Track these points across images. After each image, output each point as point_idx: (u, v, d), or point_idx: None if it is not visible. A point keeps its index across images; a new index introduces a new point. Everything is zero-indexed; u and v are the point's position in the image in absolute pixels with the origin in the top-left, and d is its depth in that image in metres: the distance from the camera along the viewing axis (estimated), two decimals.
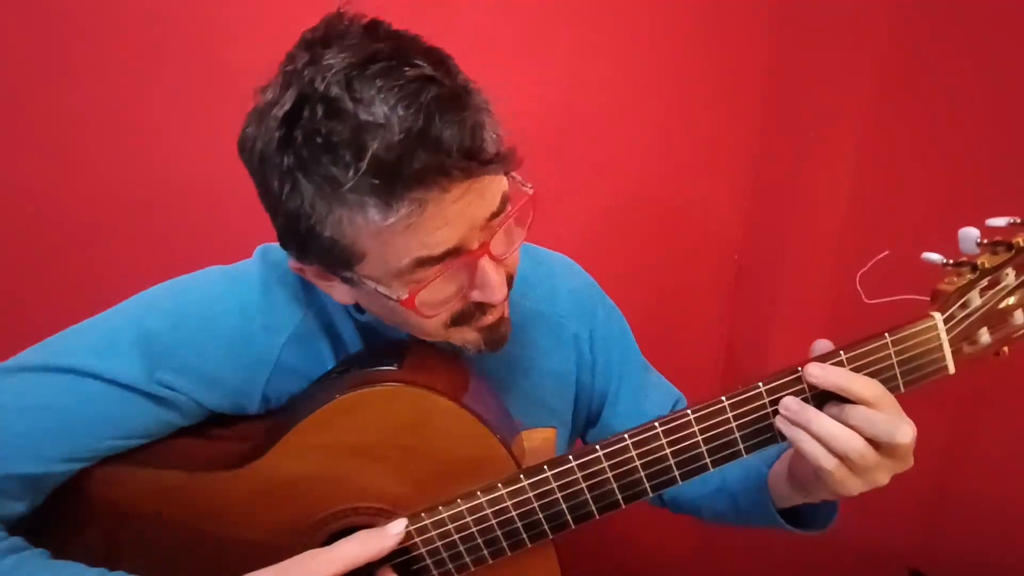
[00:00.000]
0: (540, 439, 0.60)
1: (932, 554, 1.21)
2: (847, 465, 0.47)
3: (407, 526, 0.53)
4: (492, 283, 0.50)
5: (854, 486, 0.48)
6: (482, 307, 0.53)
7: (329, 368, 0.59)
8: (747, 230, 1.23)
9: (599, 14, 1.03)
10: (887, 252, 0.56)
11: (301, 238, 0.48)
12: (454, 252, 0.48)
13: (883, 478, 0.48)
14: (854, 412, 0.46)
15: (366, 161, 0.41)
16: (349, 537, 0.50)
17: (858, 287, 0.54)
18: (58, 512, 0.54)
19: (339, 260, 0.48)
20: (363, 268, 0.48)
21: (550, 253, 0.73)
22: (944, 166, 1.00)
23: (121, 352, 0.52)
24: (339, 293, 0.54)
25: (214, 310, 0.55)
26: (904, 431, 0.45)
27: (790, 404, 0.48)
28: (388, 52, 0.43)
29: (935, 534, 1.22)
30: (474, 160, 0.44)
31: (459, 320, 0.53)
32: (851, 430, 0.46)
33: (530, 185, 0.51)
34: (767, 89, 1.12)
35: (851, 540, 1.26)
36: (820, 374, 0.47)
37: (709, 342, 1.28)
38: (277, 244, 0.59)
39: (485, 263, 0.49)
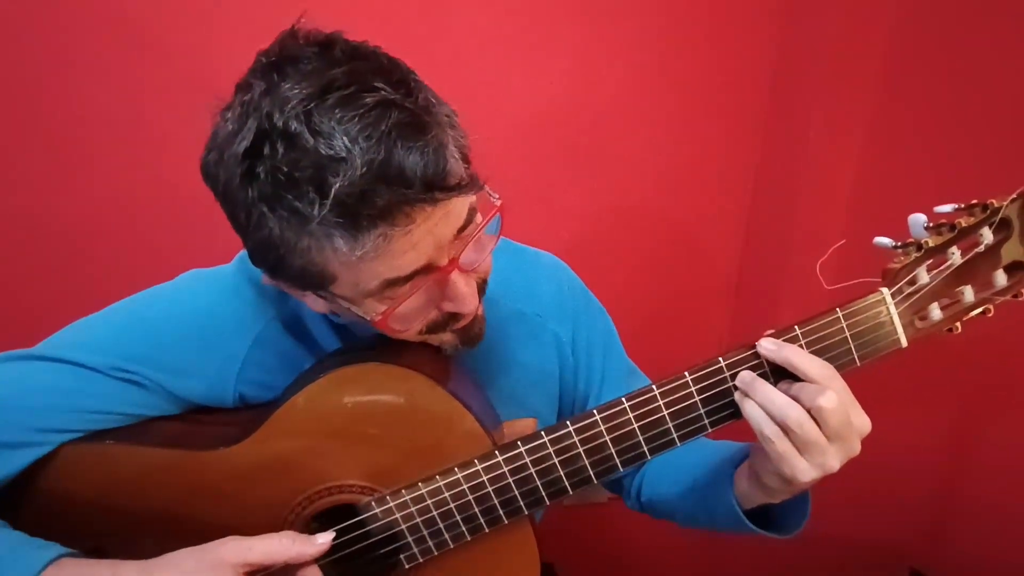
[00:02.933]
0: (521, 428, 0.62)
1: (933, 554, 1.20)
2: (789, 437, 0.48)
3: (387, 503, 0.55)
4: (463, 295, 0.51)
5: (801, 467, 0.48)
6: (456, 315, 0.55)
7: (307, 366, 0.61)
8: (749, 234, 1.25)
9: (604, 17, 1.06)
10: (844, 241, 0.59)
11: (270, 264, 0.49)
12: (423, 271, 0.49)
13: (832, 461, 0.48)
14: (795, 384, 0.49)
15: (330, 200, 0.42)
16: (276, 533, 0.51)
17: (818, 275, 0.56)
18: (47, 491, 0.56)
19: (311, 282, 0.50)
20: (336, 288, 0.50)
21: (536, 252, 0.75)
22: (944, 167, 1.03)
23: (94, 345, 0.57)
24: (312, 303, 0.56)
25: (184, 308, 0.59)
26: (828, 396, 0.46)
27: (744, 376, 0.50)
28: (345, 79, 0.43)
29: (936, 534, 1.20)
30: (437, 190, 0.44)
31: (434, 328, 0.55)
32: (790, 399, 0.48)
33: (497, 196, 0.52)
34: (771, 92, 1.16)
35: (852, 540, 1.24)
36: (772, 348, 0.49)
37: (710, 346, 1.30)
38: None
39: (455, 277, 0.50)
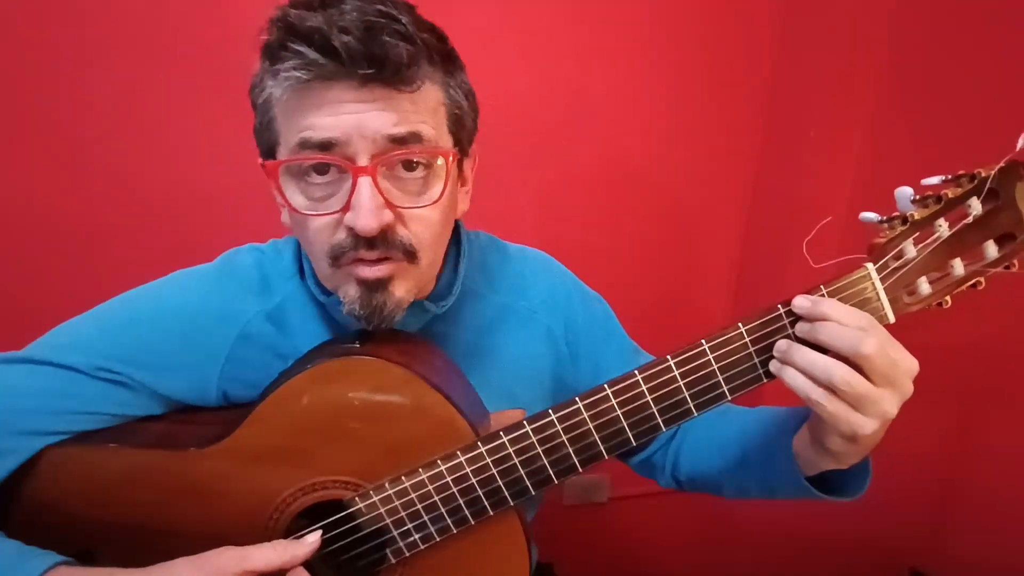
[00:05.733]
0: (508, 419, 0.61)
1: (933, 554, 1.19)
2: (839, 396, 0.47)
3: (370, 498, 0.54)
4: (363, 204, 0.50)
5: (859, 422, 0.47)
6: (356, 244, 0.52)
7: (291, 362, 0.61)
8: (749, 224, 1.24)
9: (605, 14, 1.06)
10: (829, 218, 0.58)
11: (259, 130, 0.54)
12: (334, 146, 0.49)
13: (888, 407, 0.47)
14: (822, 327, 0.47)
15: (280, 23, 0.48)
16: (270, 543, 0.52)
17: (805, 254, 0.55)
18: (34, 495, 0.56)
19: (270, 146, 0.54)
20: (279, 154, 0.53)
21: (523, 248, 0.74)
22: (945, 153, 1.02)
23: (77, 346, 0.57)
24: (286, 216, 0.58)
25: (166, 306, 0.60)
26: (868, 342, 0.45)
27: (780, 344, 0.49)
28: None
29: (936, 534, 1.19)
30: (371, 62, 0.47)
31: (337, 253, 0.53)
32: (830, 358, 0.47)
33: (455, 150, 0.55)
34: (771, 83, 1.15)
35: (852, 540, 1.23)
36: (808, 305, 0.48)
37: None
38: (244, 248, 0.64)
39: (363, 181, 0.50)
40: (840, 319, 0.47)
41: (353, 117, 0.49)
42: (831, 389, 0.47)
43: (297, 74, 0.48)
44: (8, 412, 0.54)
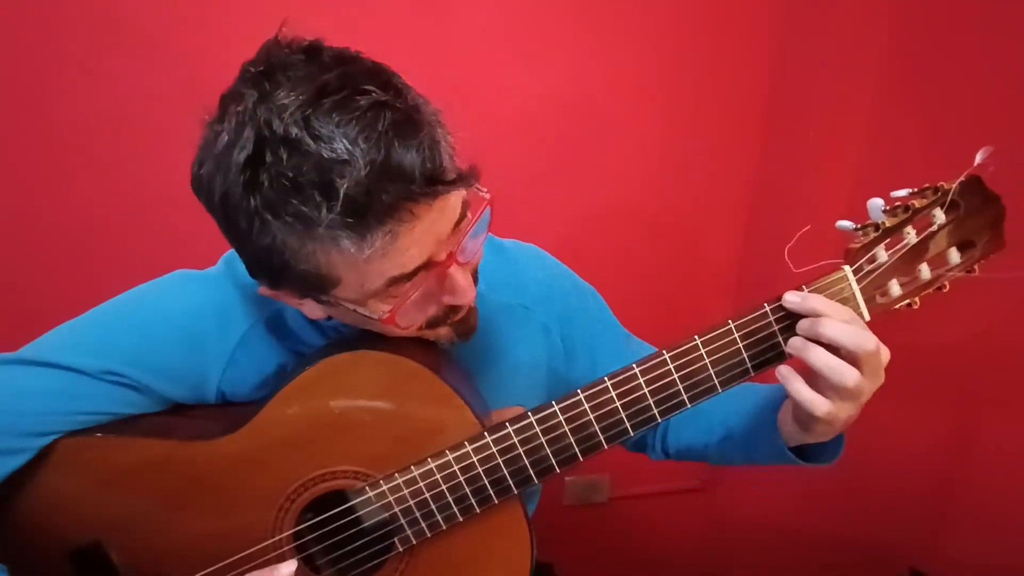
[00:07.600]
0: (509, 415, 0.64)
1: (933, 554, 1.19)
2: (838, 394, 0.50)
3: (380, 487, 0.57)
4: (462, 288, 0.53)
5: (845, 415, 0.52)
6: (455, 308, 0.57)
7: (290, 366, 0.63)
8: (749, 229, 1.27)
9: (604, 15, 1.09)
10: (809, 227, 0.62)
11: (273, 272, 0.50)
12: (425, 267, 0.50)
13: (869, 396, 0.52)
14: (826, 323, 0.50)
15: (339, 201, 0.43)
16: None
17: (787, 259, 0.59)
18: (41, 487, 0.58)
19: (313, 287, 0.51)
20: (339, 292, 0.51)
21: (517, 244, 0.76)
22: (943, 161, 1.05)
23: (82, 348, 0.58)
24: (309, 310, 0.57)
25: (170, 310, 0.60)
26: (871, 339, 0.50)
27: (794, 342, 0.53)
28: (338, 83, 0.44)
29: (936, 534, 1.19)
30: (438, 183, 0.46)
31: (433, 324, 0.57)
32: (845, 362, 0.50)
33: (486, 190, 0.53)
34: (770, 87, 1.17)
35: (852, 540, 1.24)
36: (797, 300, 0.52)
37: None
38: None
39: (454, 271, 0.52)
40: (831, 314, 0.51)
41: (430, 235, 0.49)
42: (838, 391, 0.50)
43: (384, 247, 0.46)
44: (16, 414, 0.55)
